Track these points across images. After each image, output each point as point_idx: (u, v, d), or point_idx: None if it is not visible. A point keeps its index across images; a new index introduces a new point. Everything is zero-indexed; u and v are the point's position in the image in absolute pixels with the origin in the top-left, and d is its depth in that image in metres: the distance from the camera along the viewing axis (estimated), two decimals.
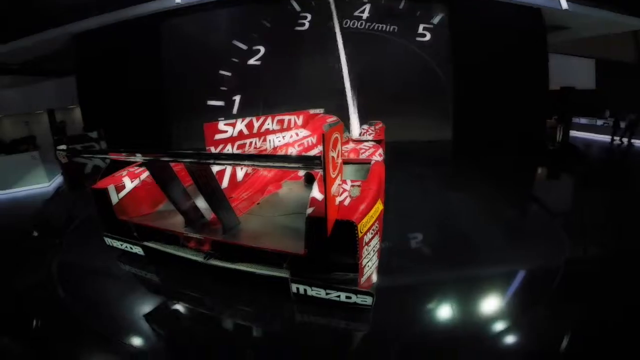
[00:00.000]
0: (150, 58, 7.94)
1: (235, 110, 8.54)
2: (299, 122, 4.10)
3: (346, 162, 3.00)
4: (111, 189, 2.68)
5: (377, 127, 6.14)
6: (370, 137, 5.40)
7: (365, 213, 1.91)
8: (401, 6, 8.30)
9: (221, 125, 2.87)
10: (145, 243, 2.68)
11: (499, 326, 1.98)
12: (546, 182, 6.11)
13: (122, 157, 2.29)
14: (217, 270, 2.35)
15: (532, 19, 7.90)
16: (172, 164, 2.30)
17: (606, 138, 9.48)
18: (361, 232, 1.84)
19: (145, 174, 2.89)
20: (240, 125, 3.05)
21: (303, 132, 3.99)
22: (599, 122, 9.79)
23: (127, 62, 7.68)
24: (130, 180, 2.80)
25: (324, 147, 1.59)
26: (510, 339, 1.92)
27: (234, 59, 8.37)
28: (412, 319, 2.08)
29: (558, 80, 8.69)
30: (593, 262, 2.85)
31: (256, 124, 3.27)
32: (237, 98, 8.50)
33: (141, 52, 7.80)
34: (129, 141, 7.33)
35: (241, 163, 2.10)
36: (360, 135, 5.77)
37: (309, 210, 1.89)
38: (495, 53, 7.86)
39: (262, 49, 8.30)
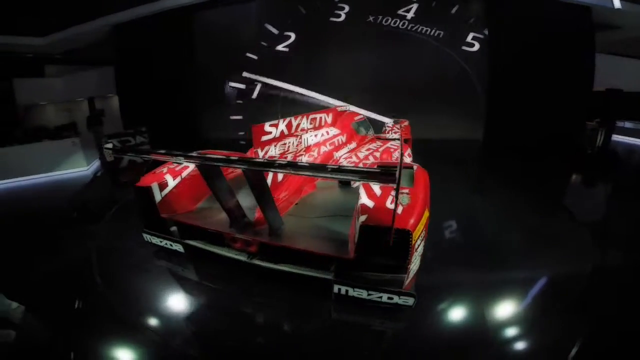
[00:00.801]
0: (182, 46, 8.14)
1: (255, 95, 8.58)
2: (329, 120, 4.05)
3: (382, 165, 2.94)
4: (154, 186, 2.69)
5: (402, 124, 6.01)
6: (396, 136, 5.30)
7: (418, 221, 1.95)
8: (453, 10, 7.99)
9: (267, 126, 2.88)
10: (188, 241, 2.69)
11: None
12: (577, 188, 5.78)
13: (173, 159, 2.30)
14: (257, 268, 2.38)
15: (580, 18, 7.43)
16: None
17: None
18: (414, 240, 1.90)
19: (186, 172, 2.93)
20: (282, 125, 3.06)
21: (333, 131, 3.95)
22: None
23: (162, 52, 7.89)
24: (172, 178, 2.82)
25: (400, 166, 1.62)
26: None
27: (263, 43, 8.38)
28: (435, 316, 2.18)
29: (604, 81, 8.16)
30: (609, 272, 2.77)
31: (294, 123, 3.29)
32: (259, 84, 8.54)
33: (174, 42, 7.99)
34: (163, 131, 7.72)
35: (303, 173, 2.04)
36: (384, 132, 5.67)
37: (362, 218, 1.94)
38: (539, 51, 7.49)
39: (293, 36, 8.25)
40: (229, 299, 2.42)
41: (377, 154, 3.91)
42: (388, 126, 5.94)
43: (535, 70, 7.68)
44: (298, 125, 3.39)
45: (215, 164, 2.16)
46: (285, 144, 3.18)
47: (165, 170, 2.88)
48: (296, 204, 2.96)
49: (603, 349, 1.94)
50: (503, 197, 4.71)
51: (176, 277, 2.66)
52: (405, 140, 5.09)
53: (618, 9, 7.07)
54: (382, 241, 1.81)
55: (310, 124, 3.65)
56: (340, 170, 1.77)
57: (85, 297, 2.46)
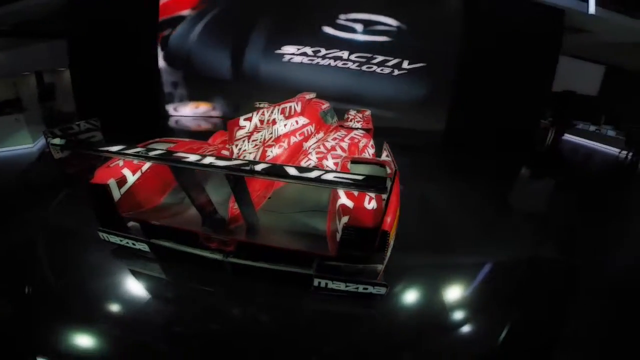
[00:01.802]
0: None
1: None
2: (298, 109, 3.99)
3: (356, 162, 2.99)
4: (112, 183, 2.42)
5: (364, 114, 6.06)
6: (359, 125, 5.35)
7: (393, 220, 2.05)
8: None
9: (241, 121, 2.78)
10: (155, 241, 2.47)
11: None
12: (522, 183, 6.23)
13: (136, 158, 2.03)
14: (232, 266, 2.32)
15: (552, 19, 7.72)
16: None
17: (606, 148, 9.03)
18: (391, 238, 2.06)
19: (146, 165, 2.67)
20: (255, 118, 2.97)
21: (302, 120, 3.90)
22: (592, 128, 9.69)
23: (122, 28, 7.39)
24: (131, 173, 2.56)
25: (392, 182, 1.71)
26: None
27: None
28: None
29: (563, 82, 8.58)
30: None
31: (266, 115, 3.20)
32: None
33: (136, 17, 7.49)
34: (120, 108, 7.30)
35: (287, 180, 1.87)
36: (346, 120, 5.72)
37: (345, 219, 2.03)
38: (507, 49, 7.77)
39: None
40: (203, 296, 2.33)
41: (344, 144, 3.94)
42: (350, 115, 5.96)
43: (500, 67, 7.96)
44: (270, 116, 3.34)
45: (190, 167, 1.95)
46: (257, 139, 3.10)
47: (121, 163, 2.59)
48: (270, 197, 2.87)
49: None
50: (453, 187, 5.03)
51: (142, 275, 2.48)
52: (367, 130, 5.15)
53: (592, 14, 7.36)
54: (364, 240, 1.97)
55: (281, 114, 3.61)
56: (331, 181, 1.73)
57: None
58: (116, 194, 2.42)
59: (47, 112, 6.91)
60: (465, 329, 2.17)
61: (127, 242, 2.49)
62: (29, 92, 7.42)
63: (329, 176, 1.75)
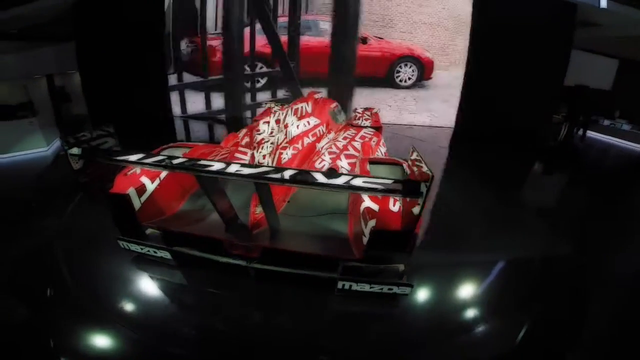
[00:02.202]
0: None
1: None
2: (309, 109, 3.99)
3: (374, 162, 3.00)
4: (132, 193, 2.40)
5: (372, 112, 6.01)
6: (368, 123, 5.30)
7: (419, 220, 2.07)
8: None
9: (260, 124, 2.85)
10: (178, 248, 2.47)
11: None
12: (535, 179, 6.16)
13: (158, 167, 2.02)
14: (255, 270, 2.34)
15: (563, 13, 7.52)
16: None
17: (622, 142, 8.96)
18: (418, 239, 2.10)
19: (164, 173, 2.62)
20: (272, 121, 3.03)
21: (313, 120, 3.86)
22: (606, 122, 9.53)
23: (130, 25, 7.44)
24: (150, 181, 2.53)
25: (429, 186, 1.68)
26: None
27: None
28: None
29: (577, 77, 8.41)
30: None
31: (281, 117, 3.22)
32: None
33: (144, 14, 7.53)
34: (131, 110, 7.37)
35: (316, 188, 1.85)
36: (354, 118, 5.67)
37: (372, 223, 2.04)
38: (520, 43, 7.60)
39: None
40: (229, 301, 2.37)
41: (356, 144, 3.93)
42: (358, 112, 5.92)
43: (513, 62, 7.79)
44: (284, 118, 3.37)
45: (218, 176, 1.92)
46: (273, 142, 3.14)
47: (138, 170, 2.57)
48: (288, 201, 2.88)
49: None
50: (463, 182, 5.02)
51: (165, 282, 2.50)
52: (377, 128, 5.12)
53: (603, 8, 7.17)
54: (393, 243, 1.99)
55: (294, 115, 3.63)
56: (363, 188, 1.75)
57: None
58: (136, 203, 2.41)
59: (59, 115, 6.97)
60: (482, 328, 2.21)
61: (148, 250, 2.50)
62: (41, 95, 7.49)
63: (358, 182, 1.75)
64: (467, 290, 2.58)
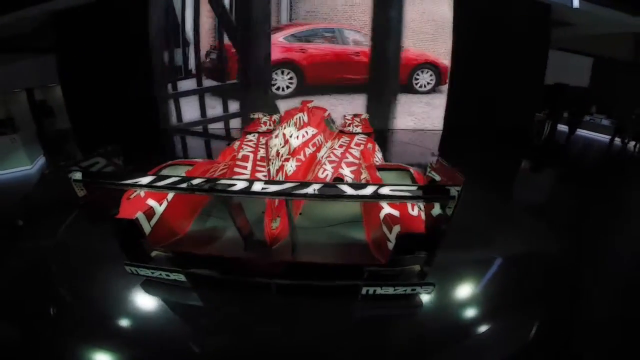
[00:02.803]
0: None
1: None
2: (306, 119, 3.99)
3: (382, 169, 3.05)
4: (141, 217, 2.29)
5: (361, 117, 6.05)
6: (359, 129, 5.32)
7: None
8: None
9: (273, 139, 2.85)
10: (195, 271, 2.38)
11: None
12: (523, 176, 6.36)
13: (173, 190, 1.99)
14: (277, 286, 2.32)
15: (539, 14, 7.88)
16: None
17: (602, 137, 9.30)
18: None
19: (171, 194, 2.53)
20: (281, 135, 3.08)
21: (311, 130, 3.86)
22: (586, 118, 9.96)
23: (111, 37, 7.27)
24: (158, 204, 2.43)
25: (461, 191, 1.83)
26: None
27: None
28: None
29: (555, 76, 8.78)
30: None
31: (287, 132, 3.27)
32: None
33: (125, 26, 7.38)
34: (114, 123, 7.17)
35: (344, 200, 1.92)
36: (344, 126, 5.68)
37: (397, 228, 2.10)
38: (498, 44, 7.90)
39: None
40: (253, 320, 2.30)
41: (353, 151, 3.95)
42: (347, 119, 5.94)
43: (494, 63, 8.08)
44: (287, 129, 3.44)
45: (245, 195, 1.92)
46: (282, 154, 3.16)
47: (142, 193, 2.44)
48: (301, 213, 2.85)
49: None
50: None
51: (180, 306, 2.40)
52: (369, 134, 5.17)
53: (576, 8, 7.53)
54: (419, 246, 2.12)
55: (294, 127, 3.65)
56: (393, 196, 1.86)
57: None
58: (146, 227, 2.31)
59: (42, 131, 6.72)
60: (486, 328, 2.25)
61: (160, 274, 2.40)
62: (21, 110, 7.22)
63: (386, 190, 1.84)
64: (475, 288, 2.65)
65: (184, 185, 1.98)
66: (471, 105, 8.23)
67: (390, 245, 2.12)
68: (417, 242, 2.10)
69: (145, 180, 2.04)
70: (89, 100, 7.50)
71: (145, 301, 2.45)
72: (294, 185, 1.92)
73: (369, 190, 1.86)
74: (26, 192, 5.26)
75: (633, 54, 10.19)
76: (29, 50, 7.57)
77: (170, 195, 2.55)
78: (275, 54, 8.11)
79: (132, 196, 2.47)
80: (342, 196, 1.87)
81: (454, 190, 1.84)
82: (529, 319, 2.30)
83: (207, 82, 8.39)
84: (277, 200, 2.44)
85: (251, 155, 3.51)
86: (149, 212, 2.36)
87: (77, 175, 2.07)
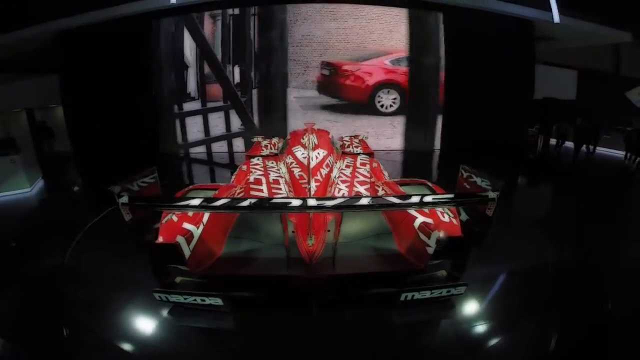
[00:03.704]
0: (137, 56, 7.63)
1: None
2: (316, 141, 4.11)
3: (403, 185, 3.23)
4: (181, 240, 2.23)
5: (358, 139, 6.15)
6: (359, 150, 5.42)
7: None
8: None
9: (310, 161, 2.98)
10: (237, 294, 2.39)
11: None
12: (522, 189, 6.51)
13: (225, 210, 2.11)
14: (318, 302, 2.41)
15: (523, 30, 8.22)
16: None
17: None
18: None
19: (205, 217, 2.52)
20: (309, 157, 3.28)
21: (322, 152, 3.95)
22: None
23: (115, 61, 7.34)
24: (195, 227, 2.39)
25: (498, 195, 2.05)
26: None
27: None
28: None
29: (543, 90, 9.11)
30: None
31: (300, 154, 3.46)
32: None
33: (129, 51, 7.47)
34: (117, 145, 7.16)
35: (395, 209, 2.35)
36: (344, 147, 5.71)
37: (437, 234, 2.26)
38: (487, 62, 8.16)
39: None
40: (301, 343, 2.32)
41: (361, 170, 4.07)
42: (346, 141, 6.03)
43: (482, 83, 8.30)
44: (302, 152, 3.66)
45: (307, 211, 2.10)
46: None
47: (175, 218, 2.41)
48: (328, 230, 2.90)
49: None
50: None
51: (221, 333, 2.41)
52: (369, 155, 5.28)
53: (557, 23, 7.91)
54: (459, 248, 2.29)
55: (307, 147, 3.81)
56: (438, 202, 2.09)
57: None
58: (186, 251, 2.25)
59: (41, 152, 6.64)
60: (500, 338, 2.31)
61: (195, 299, 2.34)
62: (21, 130, 7.16)
63: (429, 199, 2.07)
64: (476, 301, 2.70)
65: (245, 204, 2.06)
66: (466, 123, 8.42)
67: (430, 250, 2.25)
68: (456, 245, 2.24)
69: (196, 202, 2.08)
70: (90, 122, 7.51)
71: (179, 329, 2.42)
72: (347, 199, 2.11)
73: (415, 199, 2.06)
74: (24, 215, 5.17)
75: (614, 64, 10.72)
76: (29, 70, 7.58)
77: (205, 218, 2.52)
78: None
79: (164, 221, 2.44)
80: (397, 205, 2.07)
81: (492, 193, 2.07)
82: (547, 327, 2.38)
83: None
84: (310, 219, 2.48)
85: (263, 179, 3.57)
86: (189, 236, 2.31)
87: (125, 199, 2.03)
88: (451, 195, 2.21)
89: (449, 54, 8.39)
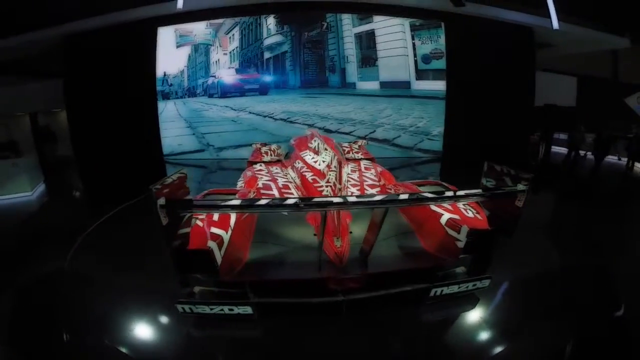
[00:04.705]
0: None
1: None
2: (325, 145, 4.10)
3: (420, 185, 3.31)
4: (214, 246, 2.13)
5: (358, 144, 6.16)
6: (360, 155, 5.40)
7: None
8: None
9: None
10: (267, 299, 2.31)
11: None
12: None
13: (269, 209, 2.07)
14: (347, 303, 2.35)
15: (522, 37, 8.33)
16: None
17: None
18: None
19: (233, 220, 2.40)
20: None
21: (335, 156, 3.89)
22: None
23: (122, 66, 7.38)
24: (224, 232, 2.28)
25: (527, 188, 2.15)
26: None
27: None
28: None
29: (542, 97, 9.18)
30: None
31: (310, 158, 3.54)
32: None
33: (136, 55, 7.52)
34: (120, 150, 7.14)
35: (431, 203, 2.35)
36: (344, 153, 5.63)
37: (465, 228, 2.33)
38: (488, 69, 8.22)
39: None
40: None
41: (368, 174, 4.07)
42: (346, 147, 5.94)
43: (484, 91, 8.36)
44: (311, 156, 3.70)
45: (354, 207, 2.17)
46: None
47: (200, 223, 2.29)
48: (351, 232, 2.84)
49: None
50: None
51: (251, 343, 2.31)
52: (371, 159, 5.27)
53: (556, 29, 7.99)
54: (488, 241, 2.38)
55: (316, 152, 3.84)
56: (473, 196, 2.22)
57: None
58: (218, 257, 2.14)
59: (43, 156, 6.60)
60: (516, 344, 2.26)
61: (222, 309, 2.24)
62: (23, 134, 7.15)
63: (462, 193, 2.18)
64: (485, 309, 2.64)
65: (291, 202, 2.04)
66: (469, 131, 8.41)
67: (460, 244, 2.32)
68: (486, 237, 2.34)
69: (238, 202, 2.08)
70: (94, 127, 7.47)
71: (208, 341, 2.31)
72: (389, 195, 2.28)
73: (449, 194, 2.19)
74: (24, 219, 5.09)
75: (612, 70, 10.84)
76: (34, 74, 7.60)
77: (233, 222, 2.41)
78: None
79: (190, 224, 2.25)
80: (432, 198, 2.16)
81: (521, 186, 2.15)
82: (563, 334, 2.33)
83: None
84: (336, 220, 2.50)
85: (272, 184, 3.55)
86: (219, 241, 2.20)
87: (162, 201, 1.90)
88: (479, 192, 2.28)
89: (450, 62, 8.46)
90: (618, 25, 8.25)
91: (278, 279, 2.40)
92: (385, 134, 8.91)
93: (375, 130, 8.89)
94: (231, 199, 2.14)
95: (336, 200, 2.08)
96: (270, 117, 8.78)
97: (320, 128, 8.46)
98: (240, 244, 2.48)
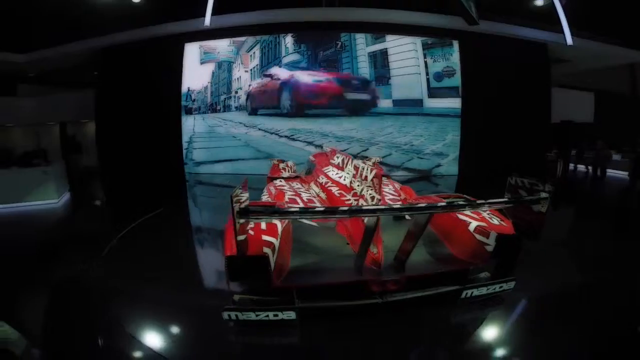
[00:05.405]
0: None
1: None
2: (347, 160, 4.19)
3: (445, 198, 3.40)
4: (269, 252, 2.15)
5: (372, 161, 6.20)
6: (373, 172, 5.45)
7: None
8: None
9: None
10: (309, 304, 2.35)
11: None
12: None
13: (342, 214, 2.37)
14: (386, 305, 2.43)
15: (537, 54, 8.39)
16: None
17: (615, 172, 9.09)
18: None
19: (280, 227, 2.46)
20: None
21: (353, 171, 4.04)
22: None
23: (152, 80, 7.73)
24: (275, 239, 2.31)
25: (550, 197, 2.33)
26: None
27: None
28: None
29: (559, 113, 9.10)
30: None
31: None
32: None
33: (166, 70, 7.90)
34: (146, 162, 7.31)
35: (463, 210, 2.53)
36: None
37: (494, 234, 2.51)
38: (503, 86, 8.24)
39: None
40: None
41: (387, 190, 4.10)
42: (357, 165, 6.00)
43: (501, 109, 8.34)
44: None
45: (428, 212, 2.30)
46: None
47: (251, 232, 2.30)
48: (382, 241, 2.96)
49: None
50: None
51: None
52: (385, 177, 5.28)
53: (570, 45, 8.06)
54: (517, 246, 2.53)
55: (341, 168, 4.03)
56: (500, 203, 2.45)
57: None
58: (272, 263, 2.17)
59: (69, 166, 6.85)
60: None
61: (267, 315, 2.26)
62: (52, 143, 7.47)
63: (492, 200, 2.35)
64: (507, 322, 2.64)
65: (369, 208, 2.33)
66: (484, 149, 8.35)
67: (489, 249, 2.48)
68: (514, 242, 2.49)
69: (321, 208, 2.41)
70: (121, 139, 7.70)
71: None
72: (429, 204, 2.41)
73: (481, 201, 2.33)
74: (49, 227, 5.23)
75: (630, 85, 10.66)
76: (66, 84, 7.99)
77: (280, 229, 2.44)
78: None
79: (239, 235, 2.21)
80: (470, 206, 2.34)
81: (544, 194, 2.33)
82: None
83: None
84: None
85: (297, 198, 3.64)
86: (272, 248, 2.22)
87: (247, 207, 1.96)
88: (505, 200, 2.52)
89: (466, 81, 8.52)
90: (635, 38, 8.24)
91: (323, 283, 2.44)
92: (382, 152, 8.82)
93: (368, 149, 8.84)
94: (296, 207, 2.38)
95: (396, 206, 2.38)
96: (276, 134, 8.88)
97: (317, 145, 8.53)
98: (286, 251, 2.55)
